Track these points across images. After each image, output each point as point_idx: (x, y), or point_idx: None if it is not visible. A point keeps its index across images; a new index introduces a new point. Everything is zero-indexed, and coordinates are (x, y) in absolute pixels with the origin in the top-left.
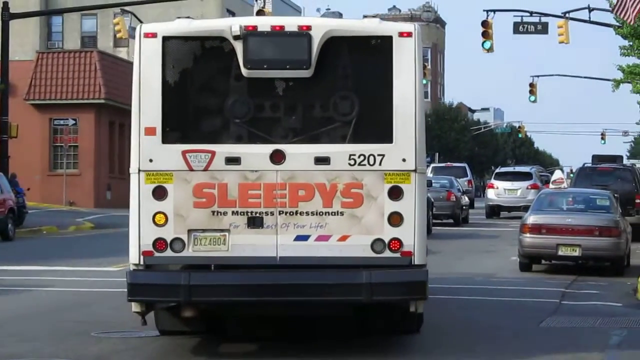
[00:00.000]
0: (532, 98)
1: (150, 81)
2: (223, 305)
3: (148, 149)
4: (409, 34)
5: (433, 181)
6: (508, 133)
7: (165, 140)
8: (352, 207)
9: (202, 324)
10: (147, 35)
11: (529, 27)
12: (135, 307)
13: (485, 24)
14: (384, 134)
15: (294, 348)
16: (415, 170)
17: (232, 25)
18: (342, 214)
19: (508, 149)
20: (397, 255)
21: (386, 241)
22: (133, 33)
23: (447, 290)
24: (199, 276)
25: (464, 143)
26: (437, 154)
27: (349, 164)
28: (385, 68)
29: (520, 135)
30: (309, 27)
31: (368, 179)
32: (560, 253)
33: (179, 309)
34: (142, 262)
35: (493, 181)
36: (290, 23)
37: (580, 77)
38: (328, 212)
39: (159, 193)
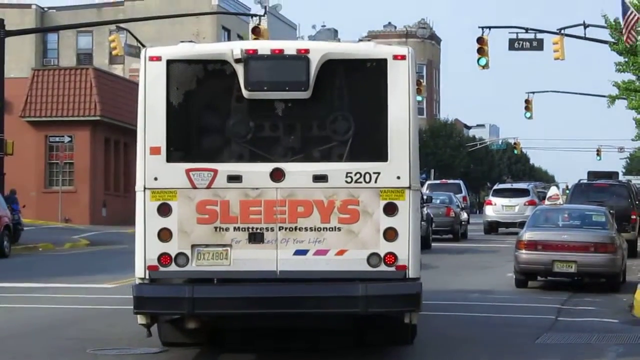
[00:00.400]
0: (528, 114)
1: (155, 103)
2: (225, 317)
3: (153, 168)
4: (403, 57)
5: (433, 197)
6: (503, 149)
7: (170, 159)
8: (349, 222)
9: (204, 336)
10: (152, 58)
11: (524, 43)
12: (140, 319)
13: (480, 40)
14: (379, 153)
15: (293, 358)
16: (409, 188)
17: (233, 48)
18: (339, 229)
19: (503, 166)
20: (392, 268)
21: (382, 255)
22: (129, 50)
23: (442, 307)
24: (202, 289)
25: (460, 159)
26: (432, 170)
27: (346, 182)
28: (380, 89)
29: (515, 152)
30: (307, 51)
31: (364, 196)
32: (556, 269)
33: (183, 321)
34: (147, 276)
35: (491, 198)
36: (289, 46)
37: (576, 93)
38: (326, 228)
39: (164, 210)
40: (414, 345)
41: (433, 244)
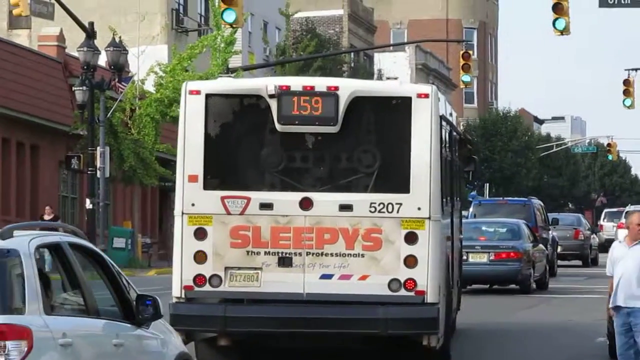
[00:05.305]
0: (628, 102)
1: (194, 133)
2: (254, 335)
3: (191, 194)
4: (427, 95)
5: (559, 219)
6: (592, 153)
7: (206, 186)
8: (372, 249)
9: (237, 356)
10: (191, 92)
11: None
12: None
13: None
14: (402, 185)
15: None
16: (429, 218)
17: (267, 84)
18: (362, 255)
19: (594, 178)
20: (412, 293)
21: (402, 281)
22: (37, 8)
23: None
24: (234, 309)
25: (527, 169)
26: (486, 184)
27: (370, 211)
28: (404, 125)
29: (610, 157)
30: (336, 88)
31: (387, 225)
32: None
33: (216, 339)
34: (183, 295)
35: (624, 221)
36: (320, 83)
37: None
38: (350, 254)
39: (200, 234)
40: None
41: (559, 270)
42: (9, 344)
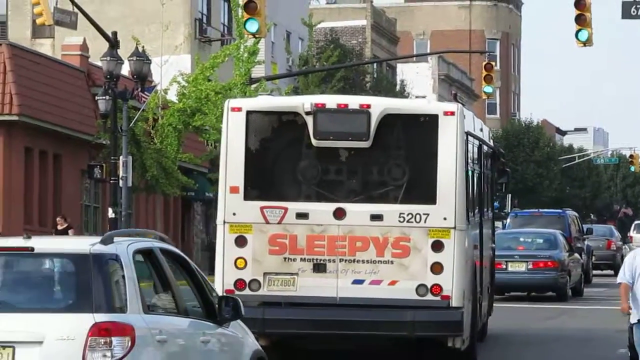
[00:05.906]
0: None
1: (235, 147)
2: (291, 336)
3: (232, 205)
4: (452, 113)
5: (593, 230)
6: (615, 164)
7: (247, 197)
8: (400, 257)
9: (275, 356)
10: (233, 109)
11: None
12: None
13: (580, 4)
14: (429, 197)
15: None
16: (454, 228)
17: (304, 102)
18: (392, 262)
19: (616, 189)
20: (438, 298)
21: (428, 286)
22: (60, 17)
23: None
24: (272, 311)
25: (550, 180)
26: (509, 195)
27: (399, 221)
28: (431, 141)
29: (632, 169)
30: (368, 106)
31: (414, 234)
32: None
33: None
34: None
35: None
36: (353, 102)
37: None
38: (380, 261)
39: (240, 241)
40: None
41: (594, 279)
42: (114, 340)
